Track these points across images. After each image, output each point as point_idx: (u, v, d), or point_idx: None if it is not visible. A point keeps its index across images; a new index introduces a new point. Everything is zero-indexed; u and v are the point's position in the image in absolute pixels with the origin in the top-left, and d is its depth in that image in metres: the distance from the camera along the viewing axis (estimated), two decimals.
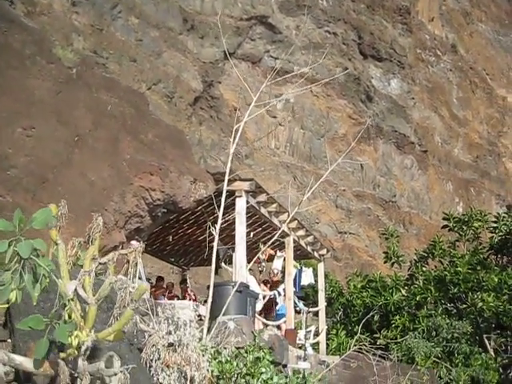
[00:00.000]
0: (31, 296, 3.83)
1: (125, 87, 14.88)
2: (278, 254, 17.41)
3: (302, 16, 42.73)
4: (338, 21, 46.23)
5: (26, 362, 4.18)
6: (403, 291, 22.55)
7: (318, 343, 18.87)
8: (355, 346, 14.37)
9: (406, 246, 33.19)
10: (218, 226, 9.55)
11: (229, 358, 7.75)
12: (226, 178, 10.05)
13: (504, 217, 23.05)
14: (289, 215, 12.83)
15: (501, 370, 20.52)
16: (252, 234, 15.70)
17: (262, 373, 7.69)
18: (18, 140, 10.24)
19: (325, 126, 44.90)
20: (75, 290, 4.00)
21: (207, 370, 6.91)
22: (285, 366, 11.14)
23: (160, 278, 18.89)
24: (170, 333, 6.81)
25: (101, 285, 4.45)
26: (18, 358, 4.24)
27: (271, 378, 7.69)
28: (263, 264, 17.24)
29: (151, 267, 24.44)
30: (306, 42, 42.83)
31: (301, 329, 17.03)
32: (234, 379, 7.51)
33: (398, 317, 21.28)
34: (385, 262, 24.59)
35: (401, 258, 23.74)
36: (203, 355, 6.93)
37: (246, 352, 8.20)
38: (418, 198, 48.15)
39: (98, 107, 11.92)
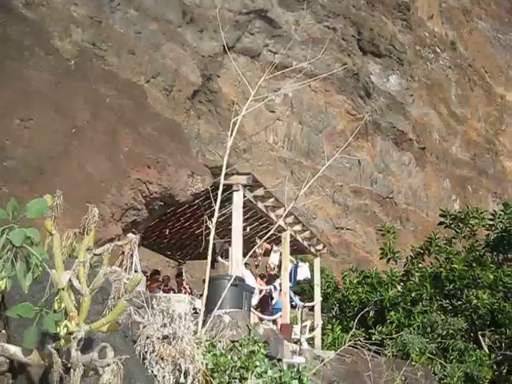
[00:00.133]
0: (22, 285, 3.83)
1: (123, 80, 14.89)
2: (275, 248, 17.42)
3: (301, 11, 42.64)
4: (338, 16, 46.16)
5: (20, 352, 4.19)
6: (399, 287, 22.61)
7: (313, 338, 18.90)
8: (350, 341, 14.42)
9: (403, 242, 33.19)
10: (214, 220, 9.56)
11: (223, 351, 7.77)
12: (223, 171, 10.05)
13: (500, 214, 23.10)
14: (285, 210, 12.83)
15: (495, 367, 20.60)
16: (248, 228, 15.71)
17: (256, 366, 7.71)
18: (16, 131, 10.24)
19: (323, 122, 44.90)
20: (69, 280, 4.00)
21: (202, 363, 6.92)
22: (280, 360, 11.16)
23: (156, 272, 18.87)
24: (164, 325, 6.82)
25: (96, 276, 4.46)
26: (12, 348, 4.24)
27: (265, 372, 7.71)
28: (259, 258, 17.26)
29: (147, 260, 24.43)
30: (306, 37, 42.77)
31: (296, 324, 17.05)
32: (228, 372, 7.52)
33: (393, 313, 21.34)
34: (381, 258, 24.64)
35: (397, 255, 23.80)
36: (198, 348, 6.94)
37: (241, 345, 8.22)
38: (415, 194, 48.19)
39: (96, 99, 11.92)
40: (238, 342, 8.46)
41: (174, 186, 11.64)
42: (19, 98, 10.49)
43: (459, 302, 21.21)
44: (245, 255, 12.78)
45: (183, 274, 19.72)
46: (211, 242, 9.63)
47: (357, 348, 15.02)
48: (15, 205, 3.89)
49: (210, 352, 7.56)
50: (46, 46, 11.96)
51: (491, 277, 20.85)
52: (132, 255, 5.00)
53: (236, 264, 12.75)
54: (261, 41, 42.87)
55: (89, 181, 10.71)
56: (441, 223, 24.40)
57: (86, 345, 4.37)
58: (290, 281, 17.18)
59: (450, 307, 21.65)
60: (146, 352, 6.60)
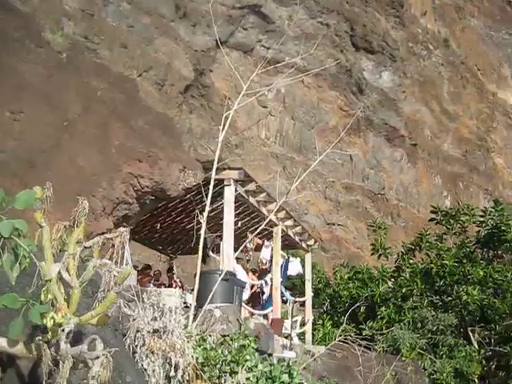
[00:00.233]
0: (9, 276, 3.81)
1: (115, 73, 14.85)
2: (266, 243, 17.45)
3: (294, 6, 42.57)
4: (331, 12, 46.12)
5: (5, 343, 4.17)
6: (390, 283, 22.69)
7: (304, 333, 18.95)
8: (341, 336, 14.47)
9: (394, 238, 33.25)
10: (205, 214, 9.56)
11: (214, 346, 7.78)
12: (215, 166, 10.05)
13: (491, 211, 23.15)
14: (277, 204, 12.85)
15: (484, 362, 20.71)
16: (240, 223, 15.71)
17: (246, 360, 7.72)
18: (6, 124, 10.20)
19: (315, 117, 44.91)
20: (59, 272, 3.99)
21: (192, 357, 6.92)
22: (270, 354, 11.18)
23: (147, 266, 18.87)
24: (155, 319, 6.82)
25: (86, 269, 4.45)
26: (1, 340, 4.23)
27: (256, 366, 7.72)
28: (251, 253, 17.28)
29: (139, 255, 24.41)
30: (299, 33, 42.72)
31: (287, 318, 17.08)
32: (218, 366, 7.53)
33: (383, 308, 21.41)
34: (372, 254, 24.69)
35: (388, 250, 23.86)
36: (188, 342, 6.95)
37: (231, 340, 8.23)
38: (407, 191, 48.28)
39: (87, 92, 11.88)
40: (228, 336, 8.47)
41: (165, 181, 11.63)
42: (10, 90, 10.45)
43: (449, 298, 21.30)
44: (236, 250, 12.79)
45: (174, 269, 19.71)
46: (202, 236, 9.63)
47: (347, 343, 15.08)
48: (3, 196, 3.87)
49: (200, 346, 7.57)
50: (38, 39, 11.91)
51: (481, 273, 20.94)
52: (122, 248, 5.00)
53: (227, 259, 12.76)
54: (254, 36, 42.81)
55: (80, 174, 10.68)
56: (432, 219, 24.46)
57: (76, 338, 4.36)
58: (281, 276, 17.19)
59: (441, 303, 21.74)
60: (137, 346, 6.60)
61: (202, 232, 9.66)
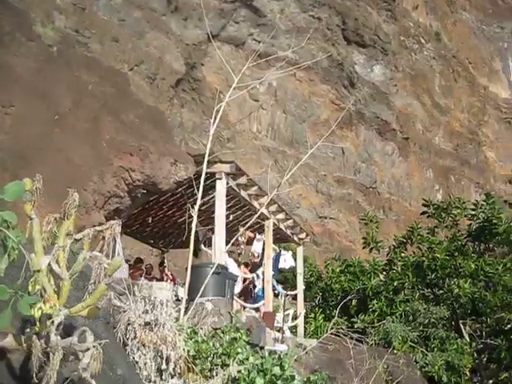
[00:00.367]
0: None
1: (106, 67, 14.81)
2: (258, 237, 17.47)
3: (286, 0, 42.55)
4: (323, 6, 46.07)
5: None
6: (381, 276, 22.77)
7: (295, 326, 19.00)
8: (332, 329, 14.52)
9: (386, 231, 33.33)
10: (196, 208, 9.56)
11: (205, 338, 7.79)
12: (206, 159, 10.05)
13: (482, 204, 23.25)
14: (268, 197, 12.87)
15: (475, 355, 20.83)
16: (231, 216, 15.73)
17: (238, 353, 7.74)
18: None
19: (307, 111, 44.91)
20: (49, 264, 3.99)
21: (183, 350, 6.93)
22: (262, 347, 11.21)
23: (139, 260, 18.87)
24: (146, 312, 6.83)
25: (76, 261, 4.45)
26: None
27: (247, 359, 7.74)
28: (242, 247, 17.30)
29: (131, 249, 24.40)
30: (290, 26, 42.71)
31: (279, 312, 17.12)
32: (210, 359, 7.55)
33: (375, 301, 21.48)
34: (364, 248, 24.75)
35: (379, 244, 23.92)
36: (179, 335, 6.96)
37: (223, 332, 8.25)
38: (399, 184, 48.39)
39: (78, 86, 11.84)
40: (220, 329, 8.49)
41: (156, 174, 11.62)
42: (0, 84, 10.40)
43: (441, 291, 21.41)
44: (228, 243, 12.81)
45: (165, 262, 19.73)
46: (193, 229, 9.63)
47: (339, 336, 15.15)
48: None
49: (191, 339, 7.58)
50: (28, 33, 11.84)
51: (473, 266, 21.03)
52: (113, 241, 4.99)
53: (219, 252, 12.77)
54: (245, 29, 42.72)
55: (71, 168, 10.65)
56: (423, 213, 24.53)
57: (67, 330, 4.36)
58: (273, 269, 17.23)
59: (432, 296, 21.85)
60: (128, 338, 6.61)
61: (193, 225, 9.67)
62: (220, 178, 13.08)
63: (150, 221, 17.43)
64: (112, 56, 30.98)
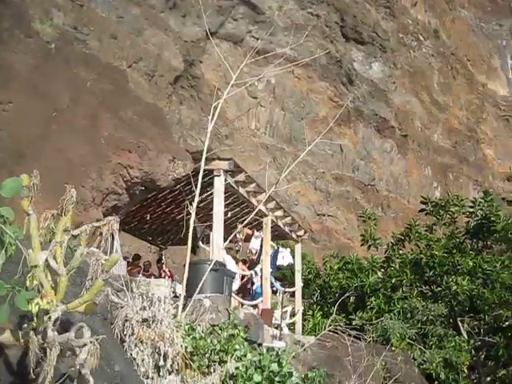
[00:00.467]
0: None
1: (104, 64, 14.80)
2: (256, 234, 17.46)
3: None
4: (321, 3, 46.04)
5: None
6: (379, 273, 22.77)
7: (293, 323, 18.99)
8: (330, 326, 14.54)
9: (384, 229, 33.38)
10: (194, 204, 9.56)
11: (203, 335, 7.80)
12: (204, 155, 10.03)
13: (480, 202, 23.28)
14: (266, 194, 12.87)
15: (473, 352, 20.86)
16: (230, 213, 15.73)
17: (235, 350, 7.75)
18: None
19: (305, 108, 44.90)
20: (46, 260, 4.00)
21: (181, 346, 6.94)
22: (260, 344, 11.20)
23: (137, 256, 18.87)
24: (144, 308, 6.83)
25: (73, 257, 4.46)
26: None
27: (245, 355, 7.75)
28: (240, 244, 17.29)
29: (129, 246, 24.41)
30: (289, 24, 42.68)
31: (277, 309, 17.13)
32: (207, 355, 7.55)
33: (373, 298, 21.49)
34: (362, 245, 24.77)
35: (377, 241, 23.95)
36: (177, 331, 6.96)
37: (221, 329, 8.25)
38: (397, 181, 48.42)
39: (76, 83, 11.84)
40: (217, 325, 8.49)
41: (155, 171, 11.63)
42: None
43: (439, 289, 21.43)
44: (226, 240, 12.80)
45: (163, 259, 19.74)
46: (191, 226, 9.63)
47: (337, 333, 15.17)
48: None
49: (189, 335, 7.58)
50: (27, 29, 11.85)
51: (471, 263, 21.06)
52: (111, 237, 5.00)
53: (217, 249, 12.77)
54: (244, 27, 42.68)
55: (69, 165, 10.66)
56: (422, 210, 24.55)
57: (65, 326, 4.37)
58: (271, 266, 17.23)
59: (430, 293, 21.88)
60: (125, 335, 6.61)
61: (191, 222, 9.66)
62: (218, 175, 13.07)
63: (148, 218, 17.41)
64: (110, 53, 30.95)
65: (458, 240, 22.79)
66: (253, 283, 17.27)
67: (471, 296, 20.77)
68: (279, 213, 17.50)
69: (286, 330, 16.35)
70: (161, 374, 6.72)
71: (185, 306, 8.63)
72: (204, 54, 39.58)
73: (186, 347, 7.20)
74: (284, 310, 17.50)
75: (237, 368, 7.46)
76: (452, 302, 21.17)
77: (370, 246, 24.02)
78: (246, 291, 17.33)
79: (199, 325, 8.07)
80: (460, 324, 21.53)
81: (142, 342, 6.63)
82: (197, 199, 9.58)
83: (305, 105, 44.97)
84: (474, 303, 21.17)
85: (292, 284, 20.16)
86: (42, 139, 10.59)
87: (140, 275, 16.32)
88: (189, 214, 9.82)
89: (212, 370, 7.41)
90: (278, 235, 19.05)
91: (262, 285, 16.54)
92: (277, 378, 7.60)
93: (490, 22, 62.82)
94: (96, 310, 5.79)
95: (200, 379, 7.05)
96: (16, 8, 12.26)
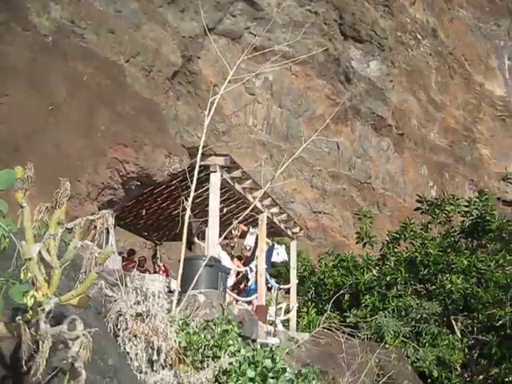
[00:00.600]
0: None
1: (102, 58, 14.80)
2: (251, 230, 17.48)
3: None
4: (320, 0, 46.00)
5: None
6: (374, 271, 22.82)
7: (288, 320, 19.03)
8: (325, 323, 14.56)
9: (379, 227, 33.38)
10: (190, 200, 9.56)
11: (197, 330, 7.80)
12: (200, 151, 10.04)
13: (475, 201, 23.35)
14: (262, 190, 12.88)
15: (466, 351, 20.92)
16: (225, 209, 15.73)
17: (229, 345, 7.76)
18: None
19: (302, 106, 44.86)
20: (39, 252, 3.99)
21: (175, 341, 6.95)
22: (254, 340, 11.23)
23: (132, 251, 18.87)
24: (138, 303, 6.83)
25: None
26: None
27: (239, 351, 7.76)
28: (235, 240, 17.31)
29: (124, 241, 24.36)
30: (287, 20, 42.57)
31: (272, 305, 17.15)
32: (201, 351, 7.56)
33: (368, 296, 21.54)
34: (357, 243, 24.80)
35: (373, 239, 23.98)
36: (171, 326, 6.97)
37: (215, 324, 8.26)
38: (393, 180, 48.43)
39: (73, 77, 11.82)
40: (211, 321, 8.50)
41: (150, 166, 11.63)
42: None
43: (433, 287, 21.49)
44: (221, 236, 12.82)
45: (157, 254, 19.74)
46: (186, 221, 9.63)
47: (331, 330, 15.19)
48: None
49: (183, 330, 7.59)
50: (24, 22, 11.82)
51: (465, 262, 21.12)
52: (106, 232, 5.00)
53: (212, 245, 12.78)
54: (242, 23, 42.59)
55: (65, 159, 10.65)
56: (417, 209, 24.60)
57: (58, 319, 4.36)
58: (266, 263, 17.25)
59: (425, 291, 21.93)
60: (119, 329, 6.62)
61: (187, 218, 9.67)
62: (214, 171, 13.08)
63: (143, 213, 17.40)
64: (108, 47, 30.86)
65: (452, 239, 22.86)
66: (248, 280, 17.29)
67: (465, 295, 20.83)
68: (275, 210, 17.51)
69: (280, 327, 16.38)
70: (154, 368, 6.73)
71: (179, 301, 8.64)
72: (202, 50, 39.49)
73: (179, 342, 7.21)
74: (279, 306, 17.52)
75: (230, 363, 7.47)
76: (446, 301, 21.22)
77: (365, 243, 24.06)
78: (242, 287, 17.36)
79: (193, 320, 8.08)
80: (454, 322, 21.58)
81: (135, 336, 6.63)
82: (192, 195, 9.59)
83: (302, 102, 44.93)
84: (468, 302, 21.23)
85: (287, 281, 20.19)
86: (38, 133, 10.58)
87: (135, 270, 16.34)
88: (184, 209, 9.82)
89: (205, 365, 7.42)
90: (274, 232, 19.07)
91: (256, 281, 16.57)
92: (270, 374, 7.61)
93: (488, 22, 62.75)
94: (89, 304, 5.79)
95: (193, 374, 7.05)
96: (13, 1, 12.24)
